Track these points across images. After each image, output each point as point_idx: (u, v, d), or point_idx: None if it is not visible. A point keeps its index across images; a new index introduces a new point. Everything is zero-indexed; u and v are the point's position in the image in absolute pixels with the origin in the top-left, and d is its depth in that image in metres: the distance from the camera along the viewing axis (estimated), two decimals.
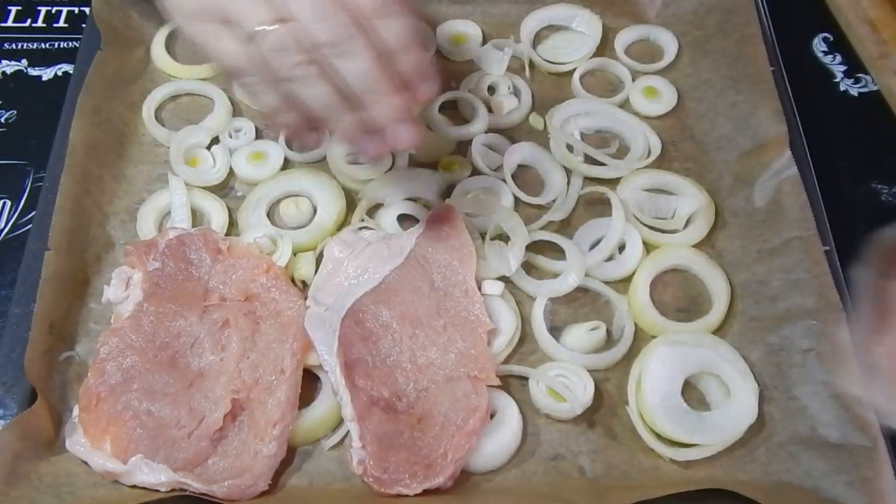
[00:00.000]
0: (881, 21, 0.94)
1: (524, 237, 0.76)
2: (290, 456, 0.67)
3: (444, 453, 0.65)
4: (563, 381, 0.69)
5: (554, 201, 0.81)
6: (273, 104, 0.63)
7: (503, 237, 0.78)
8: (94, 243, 0.76)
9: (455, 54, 0.92)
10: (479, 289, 0.74)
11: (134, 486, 0.64)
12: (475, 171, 0.83)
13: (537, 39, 0.94)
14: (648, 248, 0.78)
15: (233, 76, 0.64)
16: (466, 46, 0.92)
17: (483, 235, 0.77)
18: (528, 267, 0.77)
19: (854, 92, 0.92)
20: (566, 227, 0.80)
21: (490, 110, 0.87)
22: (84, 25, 0.90)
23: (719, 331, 0.74)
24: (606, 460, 0.68)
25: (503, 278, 0.76)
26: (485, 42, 0.93)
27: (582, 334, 0.73)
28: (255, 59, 0.61)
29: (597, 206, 0.82)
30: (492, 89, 0.89)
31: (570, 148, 0.84)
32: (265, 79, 0.62)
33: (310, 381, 0.70)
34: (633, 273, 0.76)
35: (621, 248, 0.78)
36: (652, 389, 0.68)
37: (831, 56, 0.95)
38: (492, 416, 0.68)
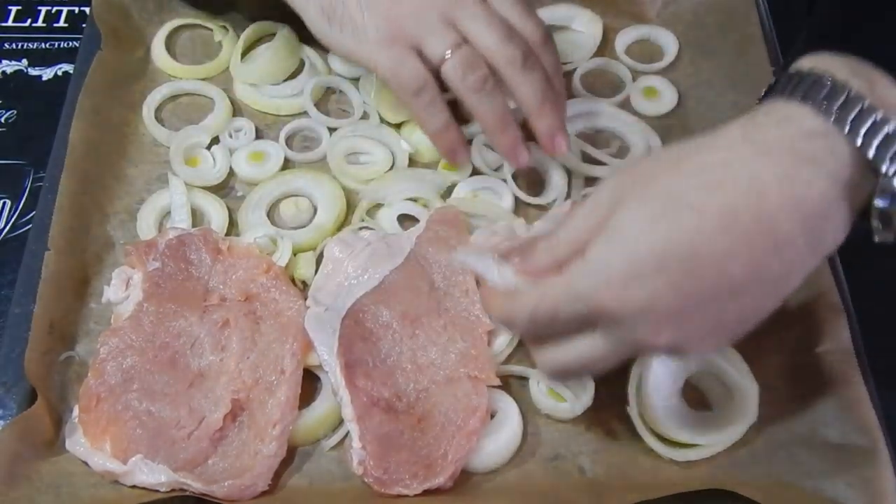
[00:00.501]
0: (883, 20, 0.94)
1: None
2: (290, 456, 0.67)
3: (445, 453, 0.65)
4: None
5: (554, 201, 0.81)
6: (441, 124, 0.73)
7: None
8: (94, 243, 0.76)
9: None
10: None
11: (134, 487, 0.64)
12: (475, 171, 0.83)
13: None
14: None
15: (416, 95, 0.72)
16: None
17: None
18: None
19: None
20: None
21: None
22: (84, 25, 0.90)
23: None
24: (606, 460, 0.67)
25: None
26: None
27: None
28: (434, 81, 0.71)
29: None
30: None
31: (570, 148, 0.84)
32: (441, 100, 0.72)
33: (310, 381, 0.70)
34: None
35: None
36: (652, 390, 0.68)
37: None
38: (492, 417, 0.68)
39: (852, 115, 0.50)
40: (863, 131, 0.49)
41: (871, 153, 0.49)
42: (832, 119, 0.50)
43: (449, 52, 0.70)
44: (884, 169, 0.49)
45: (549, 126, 0.72)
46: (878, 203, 0.50)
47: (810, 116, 0.51)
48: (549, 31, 0.74)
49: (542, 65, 0.71)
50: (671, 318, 0.52)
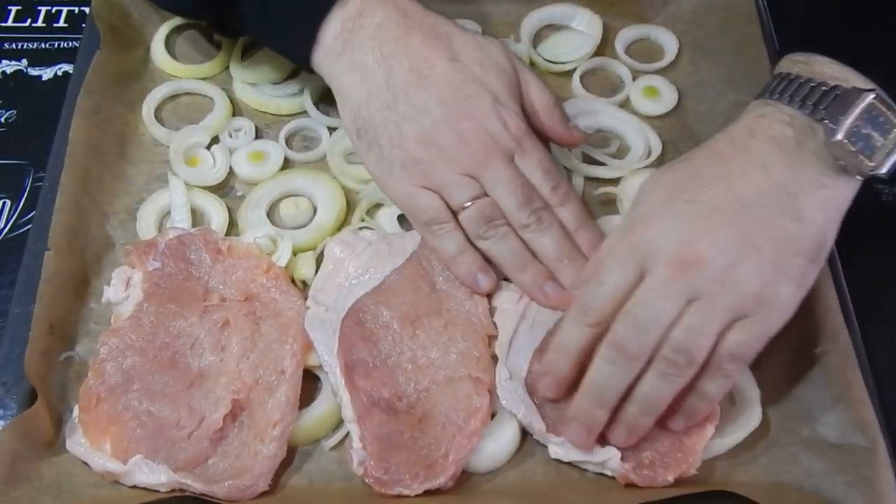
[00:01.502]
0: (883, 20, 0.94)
1: None
2: (290, 456, 0.67)
3: (445, 454, 0.65)
4: None
5: None
6: (457, 249, 0.71)
7: None
8: (94, 243, 0.76)
9: None
10: None
11: (134, 487, 0.64)
12: None
13: (537, 39, 0.94)
14: None
15: (427, 225, 0.72)
16: None
17: None
18: None
19: None
20: None
21: None
22: (84, 25, 0.90)
23: None
24: None
25: (506, 277, 0.76)
26: None
27: None
28: (447, 210, 0.71)
29: (600, 206, 0.81)
30: None
31: (569, 148, 0.84)
32: (454, 228, 0.71)
33: (310, 382, 0.70)
34: None
35: None
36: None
37: None
38: (492, 417, 0.68)
39: (792, 90, 0.65)
40: (800, 98, 0.64)
41: (810, 112, 0.63)
42: (787, 101, 0.65)
43: (469, 203, 0.70)
44: (825, 121, 0.61)
45: (568, 281, 0.70)
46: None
47: (778, 109, 0.65)
48: (569, 186, 0.74)
49: (559, 223, 0.71)
50: None
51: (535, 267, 0.71)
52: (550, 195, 0.71)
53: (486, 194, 0.70)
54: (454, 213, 0.71)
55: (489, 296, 0.73)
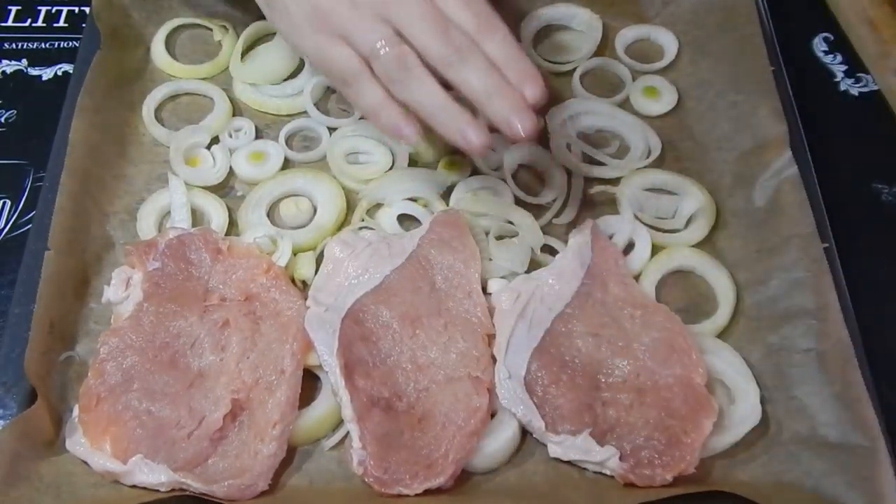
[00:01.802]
0: (881, 21, 0.94)
1: (538, 238, 0.77)
2: (290, 456, 0.67)
3: (445, 453, 0.65)
4: None
5: (554, 201, 0.81)
6: (376, 103, 0.68)
7: (508, 235, 0.78)
8: (94, 243, 0.76)
9: None
10: (485, 289, 0.74)
11: (134, 486, 0.64)
12: (475, 171, 0.83)
13: (537, 39, 0.94)
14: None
15: (339, 79, 0.68)
16: None
17: (484, 235, 0.78)
18: (531, 264, 0.77)
19: (854, 92, 0.92)
20: (571, 226, 0.80)
21: None
22: (84, 25, 0.90)
23: (722, 332, 0.74)
24: None
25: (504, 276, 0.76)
26: None
27: None
28: (362, 62, 0.67)
29: (599, 206, 0.82)
30: None
31: (569, 148, 0.84)
32: (371, 79, 0.68)
33: (310, 381, 0.70)
34: (640, 272, 0.77)
35: (628, 247, 0.78)
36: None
37: (831, 56, 0.95)
38: (492, 416, 0.68)
39: None
40: None
41: None
42: None
43: (379, 46, 0.67)
44: None
45: (500, 114, 0.67)
46: None
47: None
48: (492, 15, 0.69)
49: (483, 56, 0.67)
50: None
51: (457, 112, 0.68)
52: (473, 27, 0.67)
53: (397, 37, 0.67)
54: (370, 65, 0.68)
55: (487, 294, 0.73)
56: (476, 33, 0.67)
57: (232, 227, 0.79)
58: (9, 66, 0.92)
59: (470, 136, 0.67)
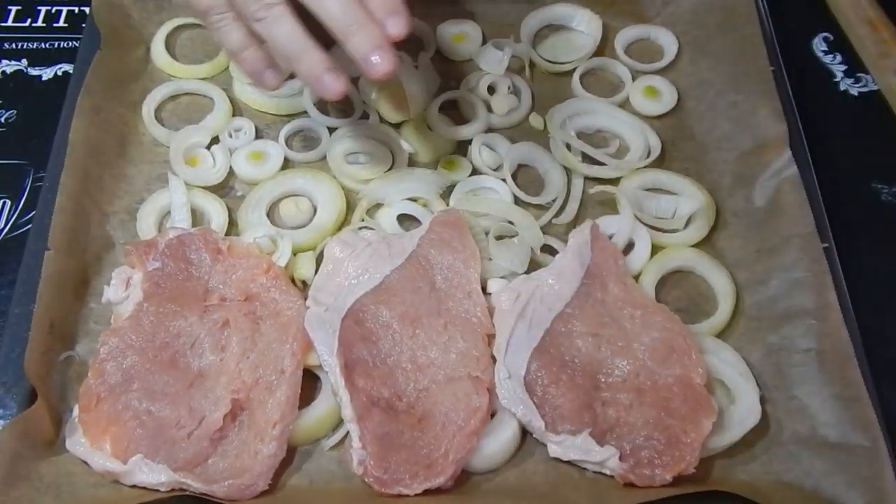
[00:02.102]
0: (881, 21, 0.94)
1: (538, 238, 0.77)
2: (290, 456, 0.67)
3: (445, 453, 0.65)
4: None
5: (553, 200, 0.81)
6: (239, 43, 0.66)
7: (508, 235, 0.78)
8: (94, 243, 0.76)
9: (455, 54, 0.92)
10: (485, 289, 0.74)
11: (134, 486, 0.64)
12: (475, 171, 0.83)
13: (537, 39, 0.94)
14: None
15: (204, 17, 0.66)
16: (466, 46, 0.92)
17: (484, 235, 0.78)
18: (530, 264, 0.77)
19: (854, 92, 0.92)
20: (571, 226, 0.80)
21: (490, 110, 0.87)
22: (84, 25, 0.90)
23: (722, 332, 0.74)
24: None
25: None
26: (485, 42, 0.93)
27: None
28: (224, 1, 0.64)
29: (599, 206, 0.82)
30: (492, 89, 0.89)
31: (569, 148, 0.84)
32: (235, 18, 0.65)
33: (310, 381, 0.70)
34: (640, 272, 0.77)
35: (628, 247, 0.78)
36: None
37: (831, 56, 0.95)
38: (492, 416, 0.68)
39: None
40: None
41: None
42: None
43: None
44: None
45: (359, 50, 0.64)
46: None
47: None
48: None
49: None
50: None
51: (315, 55, 0.66)
52: None
53: None
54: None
55: (487, 294, 0.73)
56: None
57: (232, 227, 0.79)
58: (9, 66, 0.92)
59: (326, 83, 0.66)
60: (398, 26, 0.65)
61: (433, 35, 0.93)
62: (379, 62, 0.64)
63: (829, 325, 0.69)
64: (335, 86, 0.66)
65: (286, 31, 0.65)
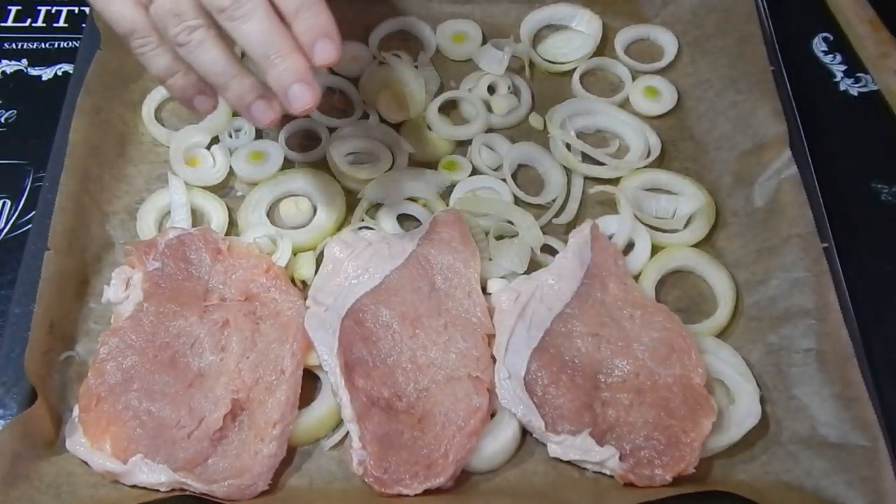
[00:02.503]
0: (881, 21, 0.94)
1: (538, 238, 0.77)
2: (290, 456, 0.67)
3: (445, 453, 0.65)
4: None
5: (553, 200, 0.81)
6: (165, 68, 0.63)
7: (508, 235, 0.78)
8: (94, 243, 0.76)
9: (455, 54, 0.92)
10: (485, 289, 0.74)
11: (134, 486, 0.64)
12: (475, 171, 0.83)
13: (537, 39, 0.94)
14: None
15: (127, 40, 0.62)
16: (466, 46, 0.92)
17: (484, 235, 0.78)
18: (531, 264, 0.77)
19: (854, 92, 0.92)
20: (571, 226, 0.80)
21: (490, 110, 0.87)
22: (84, 25, 0.90)
23: (722, 332, 0.74)
24: None
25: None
26: (485, 42, 0.93)
27: None
28: (150, 23, 0.60)
29: (599, 206, 0.82)
30: (492, 89, 0.89)
31: (569, 148, 0.84)
32: (159, 43, 0.61)
33: (310, 381, 0.70)
34: (640, 272, 0.77)
35: (628, 247, 0.78)
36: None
37: (831, 56, 0.95)
38: (492, 416, 0.68)
39: None
40: None
41: None
42: None
43: None
44: None
45: (278, 81, 0.60)
46: None
47: None
48: None
49: (266, 6, 0.59)
50: None
51: (243, 82, 0.62)
52: None
53: None
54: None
55: (487, 294, 0.73)
56: None
57: (232, 227, 0.79)
58: (9, 66, 0.92)
59: (255, 112, 0.62)
60: (327, 53, 0.61)
61: (433, 35, 0.93)
62: (299, 96, 0.60)
63: (829, 325, 0.69)
64: (266, 115, 0.62)
65: (211, 57, 0.61)
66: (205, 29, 0.60)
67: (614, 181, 0.82)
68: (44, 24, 0.96)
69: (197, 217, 0.79)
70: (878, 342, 0.73)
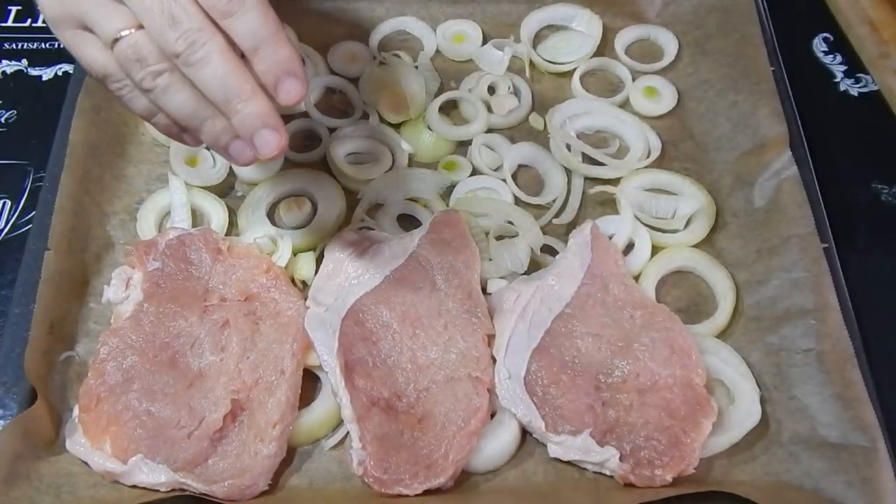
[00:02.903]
0: (881, 21, 0.94)
1: (538, 238, 0.77)
2: (290, 456, 0.67)
3: (445, 453, 0.65)
4: None
5: (554, 201, 0.81)
6: (146, 109, 0.61)
7: (508, 235, 0.78)
8: (94, 243, 0.76)
9: (455, 54, 0.92)
10: (485, 289, 0.74)
11: (134, 486, 0.64)
12: (475, 171, 0.83)
13: (537, 39, 0.94)
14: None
15: (104, 83, 0.61)
16: (466, 46, 0.92)
17: (484, 235, 0.78)
18: (531, 264, 0.77)
19: (854, 92, 0.92)
20: (571, 226, 0.80)
21: (490, 110, 0.87)
22: None
23: (722, 332, 0.74)
24: None
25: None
26: (485, 42, 0.93)
27: None
28: (118, 67, 0.59)
29: (599, 206, 0.82)
30: (492, 89, 0.89)
31: (569, 148, 0.84)
32: (131, 86, 0.60)
33: (310, 381, 0.70)
34: (640, 272, 0.77)
35: (628, 247, 0.78)
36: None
37: (831, 56, 0.95)
38: (492, 416, 0.68)
39: None
40: None
41: None
42: None
43: (119, 35, 0.57)
44: None
45: (243, 126, 0.58)
46: None
47: None
48: None
49: (222, 47, 0.56)
50: None
51: (215, 123, 0.59)
52: (220, 4, 0.56)
53: (138, 27, 0.57)
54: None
55: (487, 294, 0.73)
56: (222, 12, 0.56)
57: (232, 227, 0.79)
58: (9, 66, 0.92)
59: (234, 153, 0.60)
60: (292, 91, 0.58)
61: (433, 35, 0.93)
62: (265, 141, 0.58)
63: (829, 325, 0.69)
64: (244, 155, 0.60)
65: (180, 101, 0.58)
66: (169, 73, 0.57)
67: (614, 181, 0.82)
68: (44, 24, 0.95)
69: (197, 217, 0.79)
70: (878, 342, 0.73)
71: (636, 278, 0.76)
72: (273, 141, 0.58)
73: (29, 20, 0.96)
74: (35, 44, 0.94)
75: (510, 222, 0.78)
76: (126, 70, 0.58)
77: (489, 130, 0.86)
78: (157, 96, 0.58)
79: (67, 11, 0.59)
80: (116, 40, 0.57)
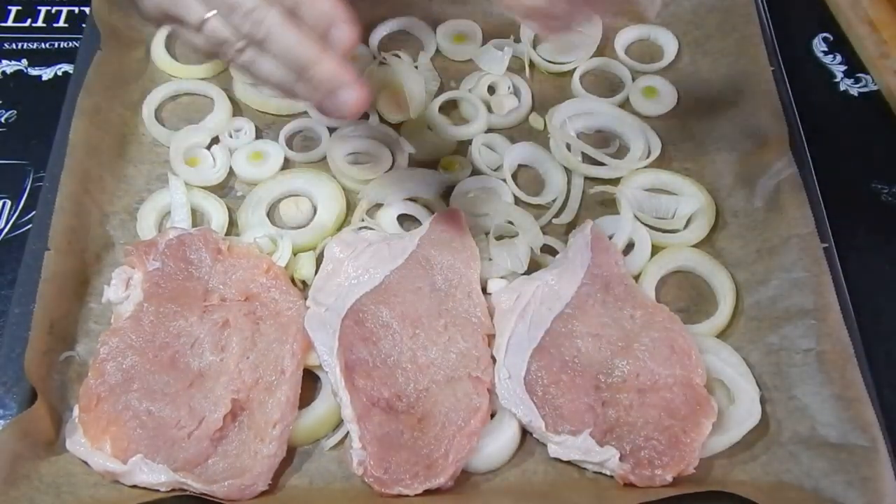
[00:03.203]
0: (881, 21, 0.94)
1: (538, 238, 0.77)
2: (290, 456, 0.67)
3: (445, 453, 0.65)
4: None
5: (554, 201, 0.81)
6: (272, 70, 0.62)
7: (508, 235, 0.78)
8: (94, 243, 0.76)
9: (455, 54, 0.92)
10: (485, 289, 0.74)
11: (134, 486, 0.64)
12: (475, 171, 0.83)
13: (537, 39, 0.94)
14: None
15: (221, 56, 0.63)
16: (466, 46, 0.92)
17: (484, 235, 0.78)
18: (531, 265, 0.77)
19: (854, 92, 0.92)
20: (571, 226, 0.80)
21: (490, 110, 0.87)
22: (84, 25, 0.90)
23: (722, 332, 0.74)
24: None
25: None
26: (485, 42, 0.93)
27: None
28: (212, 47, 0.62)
29: (598, 206, 0.82)
30: (492, 89, 0.89)
31: (569, 148, 0.84)
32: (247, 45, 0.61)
33: (310, 381, 0.70)
34: (640, 272, 0.77)
35: (628, 247, 0.78)
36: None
37: (831, 56, 0.95)
38: (492, 416, 0.68)
39: None
40: None
41: None
42: None
43: (201, 22, 0.61)
44: None
45: (319, 90, 0.60)
46: None
47: None
48: None
49: (278, 20, 0.59)
50: None
51: (302, 87, 0.61)
52: None
53: (215, 9, 0.61)
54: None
55: (487, 294, 0.73)
56: (292, 4, 0.60)
57: (232, 227, 0.79)
58: (9, 66, 0.92)
59: (329, 110, 0.61)
60: (342, 38, 0.60)
61: (433, 35, 0.93)
62: (344, 103, 0.60)
63: (829, 325, 0.69)
64: (339, 111, 0.61)
65: (267, 71, 0.61)
66: (249, 49, 0.61)
67: (614, 181, 0.82)
68: (44, 24, 0.96)
69: (197, 217, 0.79)
70: (878, 342, 0.73)
71: (636, 278, 0.76)
72: (350, 100, 0.60)
73: (29, 20, 0.96)
74: (35, 44, 0.94)
75: (510, 222, 0.78)
76: (217, 51, 0.62)
77: (489, 130, 0.86)
78: (249, 68, 0.62)
79: (162, 10, 0.63)
80: (201, 27, 0.61)
